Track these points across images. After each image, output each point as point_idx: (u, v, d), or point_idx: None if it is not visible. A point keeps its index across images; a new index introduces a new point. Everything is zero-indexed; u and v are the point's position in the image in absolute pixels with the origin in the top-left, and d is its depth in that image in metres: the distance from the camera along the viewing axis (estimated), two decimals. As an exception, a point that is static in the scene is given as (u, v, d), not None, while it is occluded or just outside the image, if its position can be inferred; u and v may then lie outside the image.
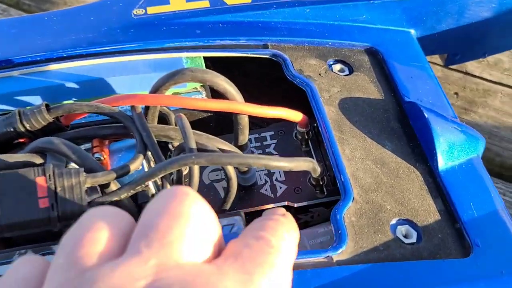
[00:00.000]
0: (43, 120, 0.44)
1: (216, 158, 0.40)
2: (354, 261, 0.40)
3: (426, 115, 0.48)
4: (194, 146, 0.41)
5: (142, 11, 0.56)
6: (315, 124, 0.51)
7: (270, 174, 0.49)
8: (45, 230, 0.39)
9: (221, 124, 0.53)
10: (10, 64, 0.51)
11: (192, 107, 0.45)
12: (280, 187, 0.48)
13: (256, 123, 0.55)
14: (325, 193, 0.48)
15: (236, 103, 0.45)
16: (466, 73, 0.84)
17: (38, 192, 0.38)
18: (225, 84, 0.44)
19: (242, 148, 0.48)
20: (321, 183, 0.48)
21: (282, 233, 0.28)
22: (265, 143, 0.52)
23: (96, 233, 0.24)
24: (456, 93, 0.82)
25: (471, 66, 0.85)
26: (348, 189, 0.43)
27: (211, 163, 0.40)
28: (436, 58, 0.77)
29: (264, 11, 0.57)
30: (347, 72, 0.54)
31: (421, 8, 0.59)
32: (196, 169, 0.41)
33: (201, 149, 0.42)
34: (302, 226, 0.49)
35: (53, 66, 0.51)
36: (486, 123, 0.79)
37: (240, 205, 0.47)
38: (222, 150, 0.43)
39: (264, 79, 0.59)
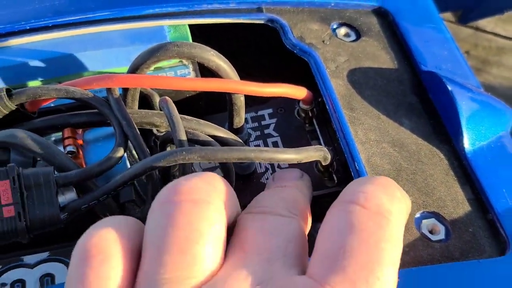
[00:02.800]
0: (4, 108, 0.37)
1: (211, 153, 0.34)
2: (376, 267, 0.34)
3: (449, 87, 0.41)
4: (184, 137, 0.35)
5: (116, -28, 0.49)
6: (319, 100, 0.45)
7: (270, 160, 0.43)
8: (12, 242, 0.33)
9: (212, 102, 0.47)
10: (-39, 40, 0.44)
11: (180, 88, 0.39)
12: (283, 175, 0.42)
13: (253, 99, 0.49)
14: (335, 181, 0.42)
15: (231, 82, 0.38)
16: (478, 29, 0.78)
17: (2, 198, 0.32)
18: (217, 60, 0.38)
19: (238, 131, 0.42)
20: (330, 169, 0.42)
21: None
22: (263, 123, 0.46)
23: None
24: (467, 52, 0.76)
25: (483, 21, 0.78)
26: (364, 179, 0.37)
27: (205, 160, 0.34)
28: (444, 14, 0.70)
29: (257, -33, 0.49)
30: (353, 38, 0.47)
31: (433, -40, 0.53)
32: (188, 165, 0.35)
33: (192, 140, 0.36)
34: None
35: (14, 41, 0.44)
36: (501, 85, 0.73)
37: (238, 197, 0.40)
38: (216, 138, 0.37)
39: (259, 48, 0.52)
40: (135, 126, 0.37)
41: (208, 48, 0.38)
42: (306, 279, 0.24)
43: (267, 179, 0.42)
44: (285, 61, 0.47)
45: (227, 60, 0.38)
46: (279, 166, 0.43)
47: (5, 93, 0.37)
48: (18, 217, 0.32)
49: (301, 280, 0.24)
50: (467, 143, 0.40)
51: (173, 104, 0.36)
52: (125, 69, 0.43)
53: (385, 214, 0.25)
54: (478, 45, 0.77)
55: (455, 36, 0.75)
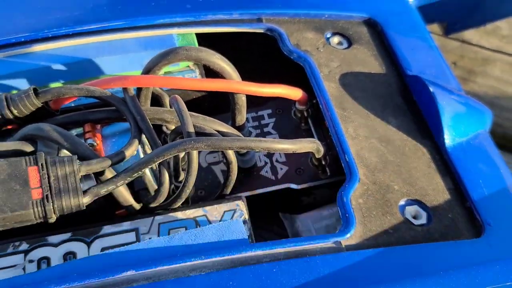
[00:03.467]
0: (31, 105, 0.42)
1: (216, 142, 0.38)
2: (363, 246, 0.38)
3: (431, 89, 0.46)
4: (192, 130, 0.39)
5: (129, -15, 0.54)
6: (314, 101, 0.49)
7: (270, 155, 0.47)
8: (40, 222, 0.37)
9: (215, 103, 0.51)
10: (-8, 46, 0.49)
11: (187, 87, 0.43)
12: (281, 169, 0.46)
13: (253, 101, 0.53)
14: (328, 174, 0.46)
15: (233, 82, 0.43)
16: (464, 42, 0.82)
17: (31, 182, 0.36)
18: (221, 63, 0.42)
19: (239, 128, 0.46)
20: (323, 163, 0.46)
21: None
22: (263, 122, 0.50)
23: None
24: (454, 63, 0.80)
25: (469, 34, 0.82)
26: (353, 170, 0.41)
27: (211, 148, 0.38)
28: (432, 27, 0.74)
29: (258, -18, 0.54)
30: (345, 45, 0.52)
31: (420, -24, 0.57)
32: (195, 154, 0.39)
33: (199, 133, 0.40)
34: (305, 208, 0.47)
35: (38, 47, 0.49)
36: (486, 93, 0.77)
37: (240, 188, 0.45)
38: (220, 133, 0.41)
39: (257, 54, 0.56)
40: (148, 121, 0.41)
41: (213, 52, 0.42)
42: None
43: (266, 172, 0.46)
44: (282, 67, 0.52)
45: (230, 63, 0.43)
46: (277, 161, 0.47)
47: (32, 91, 0.42)
48: (46, 199, 0.36)
49: None
50: (448, 139, 0.44)
51: (182, 101, 0.40)
52: (138, 72, 0.47)
53: None
54: (464, 56, 0.82)
55: (443, 48, 0.80)
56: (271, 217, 0.49)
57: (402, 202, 0.41)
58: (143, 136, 0.41)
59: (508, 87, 0.78)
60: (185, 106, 0.40)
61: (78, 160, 0.38)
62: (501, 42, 0.83)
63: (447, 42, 0.82)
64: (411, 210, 0.41)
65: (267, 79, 0.46)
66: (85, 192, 0.38)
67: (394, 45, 0.52)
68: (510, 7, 0.65)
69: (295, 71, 0.50)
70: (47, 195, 0.36)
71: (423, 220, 0.40)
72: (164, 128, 0.47)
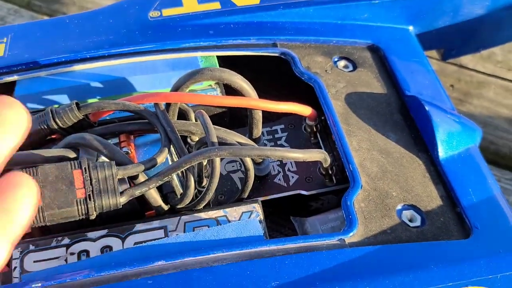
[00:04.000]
0: (74, 118, 0.47)
1: (237, 150, 0.44)
2: (364, 243, 0.43)
3: (426, 108, 0.51)
4: (215, 140, 0.45)
5: (158, 13, 0.60)
6: (322, 118, 0.55)
7: (282, 165, 0.53)
8: (83, 218, 0.42)
9: (234, 119, 0.57)
10: (37, 65, 0.55)
11: (212, 103, 0.49)
12: (292, 177, 0.52)
13: (267, 117, 0.59)
14: (334, 182, 0.52)
15: (252, 99, 0.48)
16: (461, 66, 0.89)
17: (76, 183, 0.42)
18: (241, 82, 0.48)
19: (256, 141, 0.52)
20: (330, 172, 0.51)
21: None
22: (276, 136, 0.56)
23: None
24: (451, 85, 0.86)
25: (465, 59, 0.89)
26: (356, 178, 0.47)
27: (233, 155, 0.44)
28: (432, 53, 0.80)
29: (272, 11, 0.60)
30: (351, 68, 0.57)
31: (419, 6, 0.63)
32: (218, 161, 0.44)
33: (221, 143, 0.45)
34: (313, 212, 0.53)
35: (78, 67, 0.55)
36: (481, 114, 0.83)
37: (256, 194, 0.50)
38: (240, 143, 0.47)
39: (271, 75, 0.62)
40: (177, 132, 0.47)
41: (234, 73, 0.48)
42: None
43: (279, 179, 0.52)
44: (292, 86, 0.57)
45: (248, 82, 0.48)
46: (289, 170, 0.53)
47: (75, 105, 0.47)
48: (88, 198, 0.42)
49: None
50: (441, 152, 0.50)
51: (207, 115, 0.46)
52: (166, 90, 0.53)
53: None
54: (461, 80, 0.87)
55: (441, 71, 0.86)
56: (282, 221, 0.54)
57: (399, 207, 0.46)
58: (172, 146, 0.47)
59: (502, 108, 0.84)
60: (209, 120, 0.46)
61: (116, 165, 0.43)
62: (496, 67, 0.89)
63: (445, 66, 0.88)
64: (407, 214, 0.46)
65: (279, 97, 0.51)
66: (121, 193, 0.43)
67: (395, 68, 0.57)
68: (504, 35, 0.71)
69: (303, 90, 0.56)
70: (89, 195, 0.42)
71: (417, 222, 0.46)
72: (188, 140, 0.52)
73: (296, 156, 0.45)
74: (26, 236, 0.48)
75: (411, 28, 0.63)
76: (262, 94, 0.51)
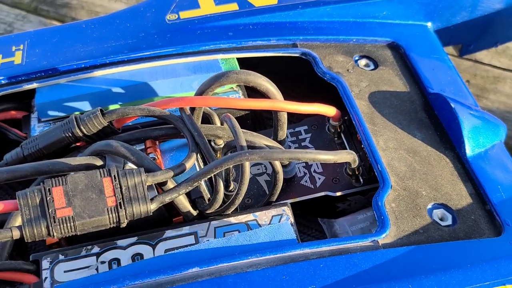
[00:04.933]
0: (98, 125, 0.47)
1: (268, 154, 0.43)
2: (398, 244, 0.43)
3: (452, 105, 0.51)
4: (244, 144, 0.44)
5: (175, 16, 0.59)
6: (345, 117, 0.54)
7: (308, 166, 0.52)
8: (113, 227, 0.42)
9: (255, 121, 0.57)
10: (56, 72, 0.54)
11: (238, 107, 0.48)
12: (319, 178, 0.52)
13: (289, 118, 0.58)
14: (361, 182, 0.51)
15: (278, 102, 0.48)
16: (476, 61, 0.88)
17: (106, 191, 0.41)
18: (267, 84, 0.47)
19: (281, 142, 0.51)
20: (357, 173, 0.51)
21: None
22: (300, 137, 0.55)
23: None
24: (467, 81, 0.85)
25: (481, 54, 0.88)
26: (386, 178, 0.47)
27: (263, 159, 0.43)
28: (447, 49, 0.80)
29: (291, 11, 0.60)
30: (372, 67, 0.57)
31: (437, 2, 0.63)
32: (247, 165, 0.44)
33: (250, 146, 0.45)
34: (340, 213, 0.52)
35: (98, 73, 0.54)
36: (498, 109, 0.82)
37: (283, 196, 0.50)
38: (267, 146, 0.46)
39: (288, 76, 0.61)
40: (204, 136, 0.46)
41: (260, 75, 0.47)
42: None
43: (306, 181, 0.51)
44: (309, 87, 0.57)
45: (274, 85, 0.48)
46: (315, 171, 0.52)
47: (99, 112, 0.47)
48: (119, 206, 0.41)
49: None
50: (468, 149, 0.50)
51: (234, 119, 0.46)
52: (188, 94, 0.53)
53: None
54: (477, 75, 0.87)
55: (457, 67, 0.85)
56: (308, 222, 0.54)
57: (429, 206, 0.46)
58: (199, 150, 0.47)
59: (519, 103, 0.84)
60: (237, 123, 0.45)
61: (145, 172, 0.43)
62: (511, 61, 0.89)
63: (461, 62, 0.88)
64: (438, 213, 0.46)
65: (295, 97, 0.51)
66: (151, 199, 0.43)
67: (416, 66, 0.57)
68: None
69: (322, 90, 0.55)
70: (120, 203, 0.41)
71: (449, 221, 0.45)
72: (212, 144, 0.52)
73: (327, 158, 0.45)
74: (54, 245, 0.48)
75: (429, 24, 0.63)
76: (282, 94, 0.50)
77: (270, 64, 0.59)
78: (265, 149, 0.44)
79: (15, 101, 0.55)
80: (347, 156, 0.46)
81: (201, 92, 0.48)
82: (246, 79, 0.47)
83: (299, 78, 0.60)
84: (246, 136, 0.46)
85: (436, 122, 0.52)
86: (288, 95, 0.52)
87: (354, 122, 0.51)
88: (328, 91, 0.55)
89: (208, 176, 0.44)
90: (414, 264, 0.42)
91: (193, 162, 0.45)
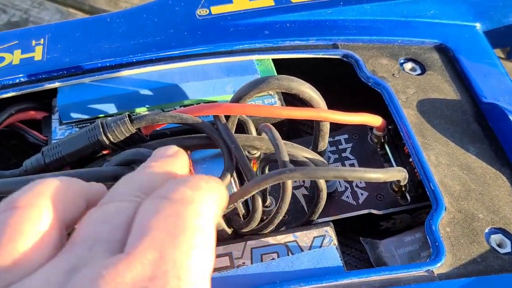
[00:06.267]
0: (126, 132, 0.43)
1: (312, 172, 0.39)
2: (454, 275, 0.39)
3: (510, 117, 0.47)
4: (287, 159, 0.40)
5: (206, 11, 0.55)
6: (390, 127, 0.50)
7: (349, 181, 0.48)
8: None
9: (289, 128, 0.52)
10: (79, 70, 0.50)
11: (280, 116, 0.44)
12: (362, 194, 0.47)
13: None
14: (409, 200, 0.47)
15: (323, 111, 0.44)
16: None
17: None
18: (311, 92, 0.43)
19: (321, 153, 0.47)
20: (403, 189, 0.47)
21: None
22: (340, 147, 0.51)
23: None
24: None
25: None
26: (439, 198, 0.42)
27: (307, 177, 0.39)
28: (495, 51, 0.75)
29: (331, 8, 0.55)
30: (419, 71, 0.53)
31: (487, 2, 0.58)
32: (289, 183, 0.40)
33: (291, 161, 0.41)
34: (383, 232, 0.48)
35: (124, 73, 0.50)
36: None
37: (323, 213, 0.46)
38: (309, 159, 0.42)
39: (325, 78, 0.57)
40: (242, 150, 0.42)
41: (303, 82, 0.43)
42: (117, 256, 0.24)
43: (347, 197, 0.47)
44: (346, 92, 0.53)
45: (318, 92, 0.44)
46: (357, 186, 0.48)
47: (127, 118, 0.43)
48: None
49: (113, 259, 0.23)
50: (528, 167, 0.45)
51: (275, 130, 0.41)
52: (220, 98, 0.49)
53: (185, 202, 0.26)
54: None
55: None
56: (347, 240, 0.50)
57: (486, 231, 0.42)
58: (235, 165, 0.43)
59: None
60: (279, 135, 0.41)
61: None
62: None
63: (505, 64, 0.83)
64: (496, 238, 0.42)
65: (334, 103, 0.46)
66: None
67: (467, 71, 0.52)
68: None
69: (362, 94, 0.51)
70: None
71: (507, 248, 0.41)
72: (246, 153, 0.48)
73: (377, 176, 0.40)
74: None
75: (478, 25, 0.58)
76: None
77: (301, 66, 0.54)
78: (309, 167, 0.40)
79: (34, 101, 0.51)
80: (398, 174, 0.42)
81: (238, 98, 0.44)
82: (289, 86, 0.43)
83: (334, 81, 0.56)
84: (286, 147, 0.42)
85: (491, 135, 0.48)
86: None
87: (402, 134, 0.47)
88: (364, 95, 0.51)
89: (247, 197, 0.40)
90: (472, 298, 0.38)
91: (229, 180, 0.42)
